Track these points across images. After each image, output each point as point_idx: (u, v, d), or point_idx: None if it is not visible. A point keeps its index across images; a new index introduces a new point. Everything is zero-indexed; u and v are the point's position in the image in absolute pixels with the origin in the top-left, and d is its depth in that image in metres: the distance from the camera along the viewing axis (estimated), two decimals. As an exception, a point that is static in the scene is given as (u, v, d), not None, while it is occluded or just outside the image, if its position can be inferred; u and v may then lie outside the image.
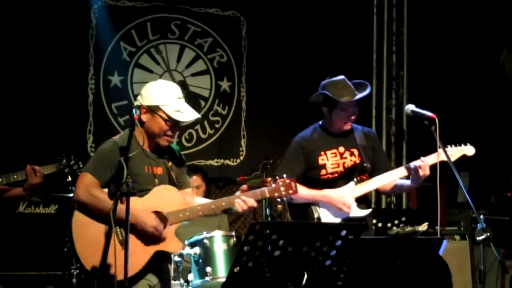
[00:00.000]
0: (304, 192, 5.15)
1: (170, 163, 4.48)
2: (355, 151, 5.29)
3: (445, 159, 4.90)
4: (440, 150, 4.90)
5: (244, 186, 4.50)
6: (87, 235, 4.22)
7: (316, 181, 5.23)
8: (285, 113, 8.12)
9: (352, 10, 8.41)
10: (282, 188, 4.49)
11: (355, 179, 5.22)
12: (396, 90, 8.74)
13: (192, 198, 4.63)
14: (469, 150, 5.24)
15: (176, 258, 5.65)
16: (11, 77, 7.23)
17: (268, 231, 3.62)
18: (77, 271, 5.78)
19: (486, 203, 8.17)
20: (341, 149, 5.28)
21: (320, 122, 5.37)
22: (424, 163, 5.02)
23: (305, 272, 3.80)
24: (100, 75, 7.67)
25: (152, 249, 4.27)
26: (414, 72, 8.70)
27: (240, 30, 8.21)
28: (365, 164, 5.23)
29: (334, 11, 8.30)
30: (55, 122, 7.31)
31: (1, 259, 6.42)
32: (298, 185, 5.16)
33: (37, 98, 7.30)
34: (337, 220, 5.15)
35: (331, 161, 5.25)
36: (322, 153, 5.25)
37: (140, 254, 4.22)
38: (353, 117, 5.24)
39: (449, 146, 5.16)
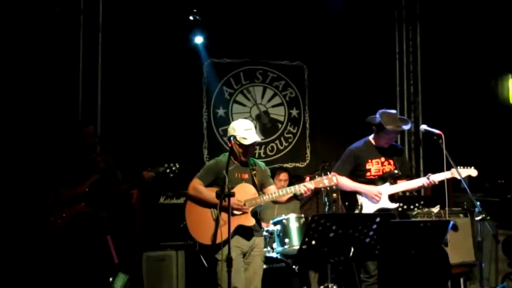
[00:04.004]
0: (350, 184, 5.12)
1: (254, 171, 4.69)
2: (392, 161, 5.21)
3: (456, 175, 4.79)
4: (452, 167, 4.81)
5: (307, 178, 4.59)
6: (194, 217, 4.56)
7: (362, 179, 5.18)
8: (338, 131, 7.99)
9: (380, 58, 8.27)
10: (325, 181, 4.53)
11: (389, 182, 5.15)
12: (414, 111, 8.52)
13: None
14: (473, 172, 5.07)
15: (265, 233, 5.71)
16: (150, 109, 7.24)
17: (324, 220, 3.64)
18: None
19: (482, 188, 7.85)
20: (383, 159, 5.20)
21: (370, 137, 5.25)
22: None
23: (351, 247, 3.81)
24: (210, 109, 7.73)
25: (235, 223, 4.44)
26: (427, 98, 8.46)
27: (303, 75, 8.16)
28: (396, 171, 5.16)
29: (367, 59, 8.14)
30: (182, 142, 7.40)
31: (150, 235, 6.56)
32: (346, 178, 5.12)
33: (171, 127, 7.37)
34: (375, 206, 5.07)
35: (375, 167, 5.17)
36: (369, 160, 5.16)
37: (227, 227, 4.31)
38: (393, 140, 5.21)
39: (459, 167, 4.95)
